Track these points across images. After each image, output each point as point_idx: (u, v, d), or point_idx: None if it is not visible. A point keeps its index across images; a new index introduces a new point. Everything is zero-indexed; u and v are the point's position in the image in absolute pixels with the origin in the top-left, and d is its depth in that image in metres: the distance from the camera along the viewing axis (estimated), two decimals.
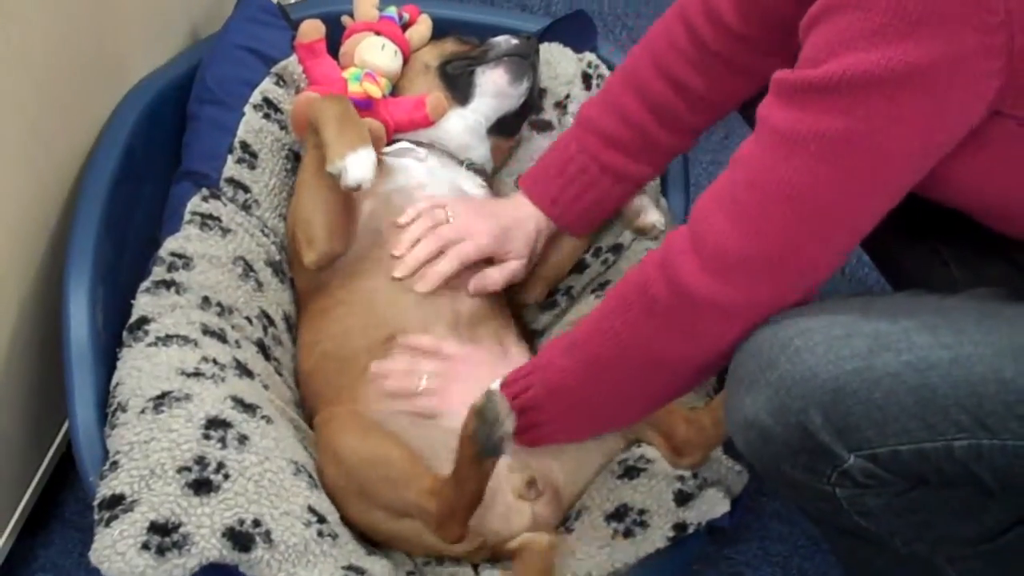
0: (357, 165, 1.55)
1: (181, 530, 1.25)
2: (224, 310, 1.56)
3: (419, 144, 1.77)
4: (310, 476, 1.41)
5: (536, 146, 1.94)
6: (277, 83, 1.82)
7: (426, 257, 1.61)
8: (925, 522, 1.26)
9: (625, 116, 1.57)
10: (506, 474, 1.47)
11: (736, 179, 1.19)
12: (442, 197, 1.69)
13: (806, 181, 1.13)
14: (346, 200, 1.63)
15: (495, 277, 1.65)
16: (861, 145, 1.10)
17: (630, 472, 1.50)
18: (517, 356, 1.62)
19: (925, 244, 1.45)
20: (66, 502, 1.72)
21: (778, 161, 1.14)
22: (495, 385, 1.39)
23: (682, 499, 1.45)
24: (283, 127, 1.79)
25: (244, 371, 1.49)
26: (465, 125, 1.81)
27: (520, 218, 1.66)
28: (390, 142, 1.76)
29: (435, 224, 1.63)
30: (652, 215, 1.73)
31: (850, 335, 1.15)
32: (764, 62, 1.44)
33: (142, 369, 1.40)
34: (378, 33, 1.86)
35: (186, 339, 1.46)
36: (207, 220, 1.63)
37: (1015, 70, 1.07)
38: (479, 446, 1.29)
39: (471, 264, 1.63)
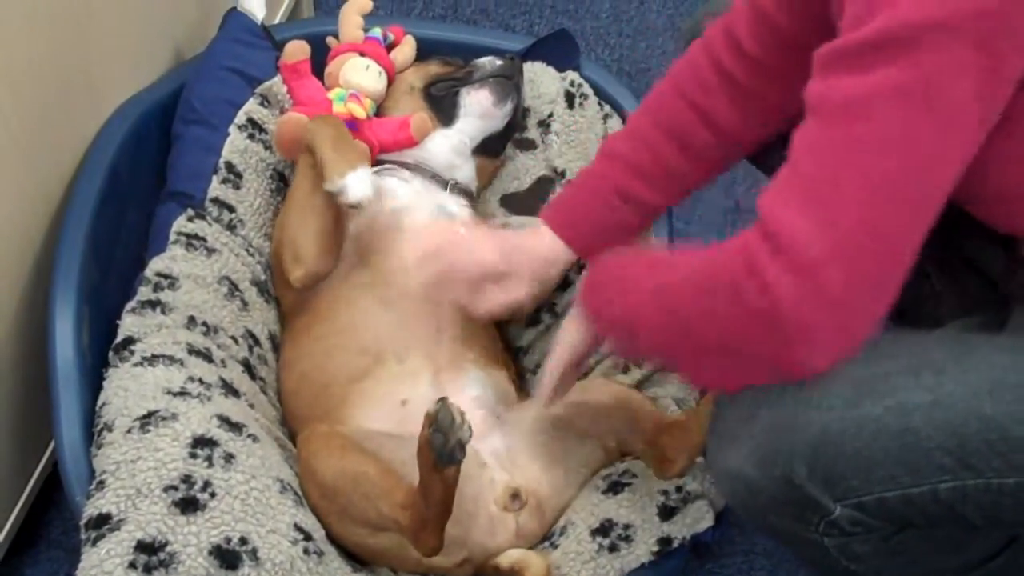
0: (357, 183, 1.56)
1: (168, 549, 1.25)
2: (210, 330, 1.57)
3: (403, 165, 1.78)
4: (296, 494, 1.42)
5: (520, 165, 1.96)
6: (262, 103, 1.83)
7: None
8: (913, 560, 1.26)
9: (648, 144, 1.53)
10: (489, 486, 1.48)
11: (804, 170, 1.09)
12: (426, 217, 1.70)
13: (878, 156, 1.05)
14: (336, 220, 1.64)
15: (498, 299, 1.55)
16: (928, 97, 1.03)
17: (615, 487, 1.51)
18: (502, 382, 1.63)
19: None
20: (52, 522, 1.72)
21: (842, 134, 1.06)
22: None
23: (667, 513, 1.46)
24: (268, 147, 1.80)
25: (230, 390, 1.49)
26: (450, 146, 1.83)
27: (531, 243, 1.59)
28: (375, 163, 1.77)
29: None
30: None
31: (830, 382, 1.13)
32: (781, 93, 1.43)
33: (128, 389, 1.41)
34: (363, 54, 1.87)
35: (172, 359, 1.46)
36: (192, 240, 1.64)
37: None
38: (435, 453, 1.29)
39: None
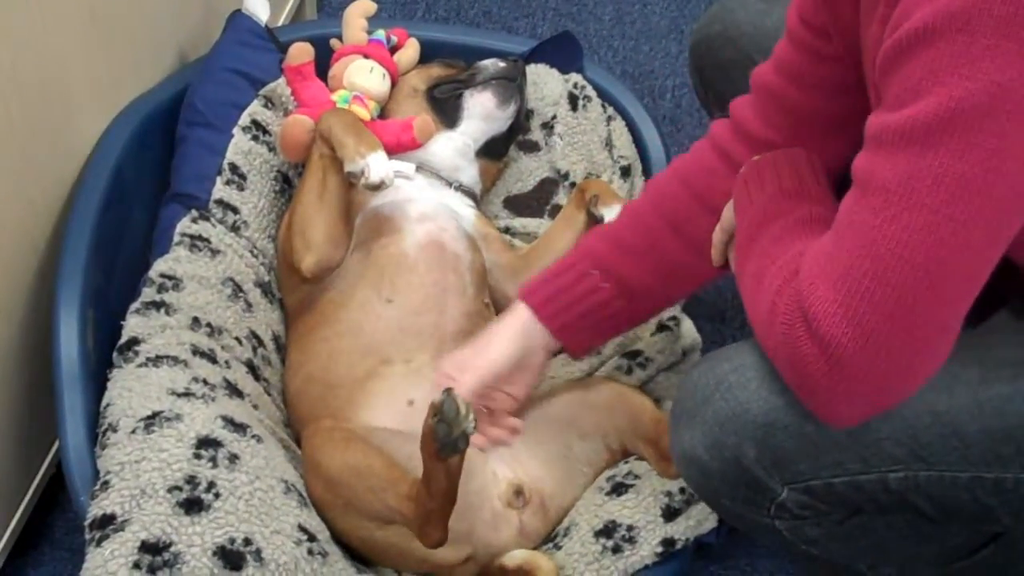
0: (378, 163, 1.60)
1: (172, 549, 1.25)
2: (214, 331, 1.57)
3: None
4: (300, 495, 1.42)
5: (523, 167, 1.96)
6: (266, 105, 1.83)
7: None
8: (878, 548, 1.27)
9: (641, 227, 1.45)
10: (493, 482, 1.49)
11: (845, 248, 1.05)
12: (431, 212, 1.71)
13: (921, 241, 1.00)
14: (346, 211, 1.67)
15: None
16: (984, 182, 0.98)
17: (618, 488, 1.51)
18: None
19: None
20: (56, 523, 1.72)
21: (888, 217, 1.02)
22: None
23: (670, 515, 1.46)
24: (272, 149, 1.80)
25: (234, 391, 1.49)
26: (453, 148, 1.83)
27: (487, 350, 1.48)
28: None
29: None
30: (614, 214, 1.73)
31: None
32: None
33: (132, 389, 1.41)
34: (367, 56, 1.88)
35: (176, 359, 1.47)
36: (196, 241, 1.64)
37: None
38: (439, 443, 1.30)
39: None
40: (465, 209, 1.79)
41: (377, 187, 1.60)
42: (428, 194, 1.75)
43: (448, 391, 1.30)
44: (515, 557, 1.46)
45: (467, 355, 1.47)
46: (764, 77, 1.37)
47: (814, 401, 1.09)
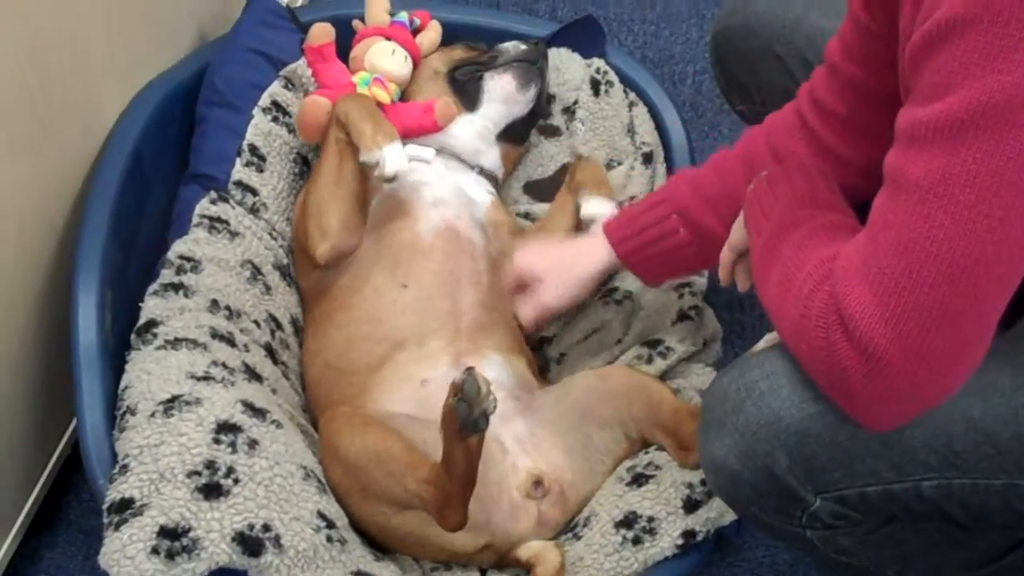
0: (394, 156, 1.58)
1: (191, 534, 1.24)
2: (232, 314, 1.56)
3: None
4: (319, 481, 1.41)
5: (544, 152, 1.95)
6: (286, 86, 1.82)
7: None
8: (907, 554, 1.26)
9: (719, 169, 1.51)
10: (512, 472, 1.48)
11: (880, 246, 1.04)
12: (447, 197, 1.71)
13: (956, 238, 0.99)
14: (361, 197, 1.65)
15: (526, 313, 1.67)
16: (1018, 177, 0.97)
17: (639, 479, 1.49)
18: (521, 368, 1.62)
19: None
20: (71, 504, 1.71)
21: (921, 215, 1.00)
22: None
23: (691, 506, 1.45)
24: (292, 130, 1.79)
25: (253, 375, 1.48)
26: (474, 131, 1.82)
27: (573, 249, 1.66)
28: None
29: None
30: (591, 207, 1.76)
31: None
32: (865, 154, 1.37)
33: (151, 372, 1.40)
34: (389, 38, 1.86)
35: (195, 342, 1.46)
36: (215, 223, 1.63)
37: None
38: (459, 422, 1.29)
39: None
40: (482, 195, 1.78)
41: (391, 180, 1.59)
42: (445, 179, 1.74)
43: (469, 370, 1.29)
44: (529, 548, 1.46)
45: (553, 260, 1.65)
46: (829, 48, 1.39)
47: (853, 404, 1.08)
